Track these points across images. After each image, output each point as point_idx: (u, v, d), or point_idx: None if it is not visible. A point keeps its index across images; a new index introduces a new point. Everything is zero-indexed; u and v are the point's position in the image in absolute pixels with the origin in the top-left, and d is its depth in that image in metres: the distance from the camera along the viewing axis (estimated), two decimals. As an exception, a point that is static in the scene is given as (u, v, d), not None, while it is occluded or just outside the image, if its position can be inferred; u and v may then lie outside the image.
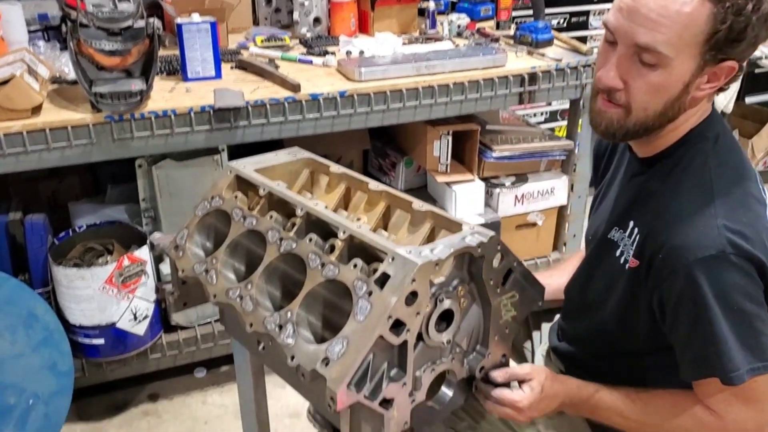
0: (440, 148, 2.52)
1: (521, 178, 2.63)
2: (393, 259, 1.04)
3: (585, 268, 1.36)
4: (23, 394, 1.95)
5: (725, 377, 1.09)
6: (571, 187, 2.66)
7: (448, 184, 2.56)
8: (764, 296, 1.10)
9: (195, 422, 2.24)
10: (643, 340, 1.22)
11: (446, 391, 1.16)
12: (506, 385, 1.19)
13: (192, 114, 2.01)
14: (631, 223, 1.20)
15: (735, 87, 3.35)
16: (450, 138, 2.50)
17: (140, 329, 2.13)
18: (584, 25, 3.35)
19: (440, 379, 1.15)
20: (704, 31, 1.04)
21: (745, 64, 1.11)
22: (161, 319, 2.23)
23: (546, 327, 1.54)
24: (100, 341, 2.09)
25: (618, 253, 1.21)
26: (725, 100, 3.38)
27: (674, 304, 1.11)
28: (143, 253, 2.10)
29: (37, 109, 1.91)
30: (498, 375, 1.18)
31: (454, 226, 1.17)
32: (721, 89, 1.14)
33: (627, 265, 1.18)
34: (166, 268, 2.21)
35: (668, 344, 1.16)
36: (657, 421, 1.18)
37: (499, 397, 1.18)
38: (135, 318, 2.11)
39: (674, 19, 1.03)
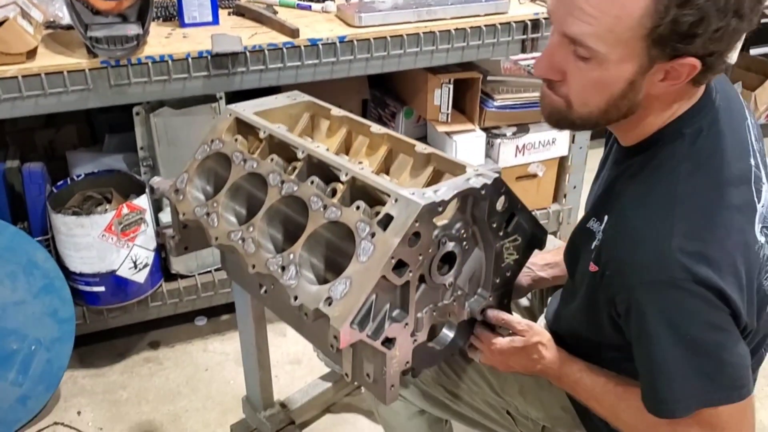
0: (441, 96, 2.49)
1: (522, 128, 2.60)
2: (396, 200, 1.04)
3: (570, 248, 1.21)
4: (25, 340, 1.96)
5: (665, 410, 1.01)
6: (573, 138, 2.63)
7: (449, 134, 2.54)
8: (735, 319, 0.98)
9: (196, 369, 2.26)
10: (604, 335, 1.12)
11: (447, 333, 1.17)
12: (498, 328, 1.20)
13: (189, 59, 1.97)
14: (606, 218, 1.07)
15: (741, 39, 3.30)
16: (451, 87, 2.46)
17: (140, 277, 2.13)
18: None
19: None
20: (642, 24, 0.89)
21: (722, 58, 0.94)
22: (161, 268, 2.23)
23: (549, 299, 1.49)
24: (101, 289, 2.09)
25: (592, 246, 1.07)
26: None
27: (623, 322, 1.04)
28: (142, 201, 2.09)
29: (32, 54, 1.87)
30: (492, 315, 1.19)
31: (458, 169, 1.16)
32: (696, 82, 0.98)
33: (589, 267, 1.07)
34: (165, 216, 2.20)
35: (626, 344, 1.07)
36: (626, 419, 1.11)
37: (479, 333, 1.20)
38: (135, 266, 2.11)
39: (605, 10, 0.90)
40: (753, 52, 3.68)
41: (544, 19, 2.29)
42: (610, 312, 1.06)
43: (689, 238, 0.96)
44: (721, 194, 1.00)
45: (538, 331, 1.20)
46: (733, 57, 3.35)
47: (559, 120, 1.06)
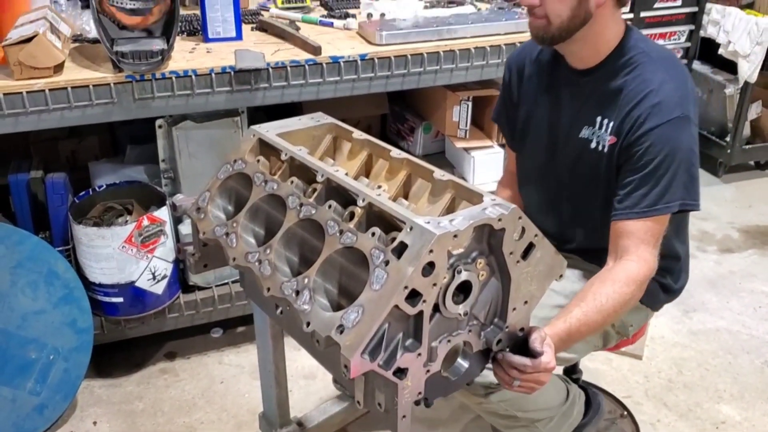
0: (460, 113, 2.50)
1: (541, 146, 2.60)
2: (411, 228, 1.04)
3: (556, 168, 1.59)
4: (44, 349, 1.99)
5: (671, 207, 1.41)
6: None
7: (467, 149, 2.55)
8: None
9: (211, 381, 2.27)
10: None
11: (462, 363, 1.17)
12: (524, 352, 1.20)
13: (213, 75, 2.00)
14: (599, 118, 1.49)
15: (760, 56, 3.27)
16: (470, 103, 2.47)
17: (159, 288, 2.16)
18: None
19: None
20: None
21: None
22: (179, 279, 2.25)
23: None
24: (119, 300, 2.12)
25: (593, 145, 1.50)
26: (749, 70, 3.31)
27: (642, 153, 1.41)
28: (162, 213, 2.11)
29: (59, 68, 1.91)
30: (502, 377, 1.21)
31: (475, 197, 1.16)
32: (620, 3, 1.45)
33: (605, 147, 1.48)
34: (184, 228, 2.23)
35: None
36: (610, 304, 1.36)
37: (537, 363, 1.19)
38: (154, 277, 2.13)
39: None
40: (774, 71, 3.63)
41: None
42: (621, 163, 1.45)
43: (683, 90, 1.44)
44: (680, 66, 1.51)
45: (546, 353, 1.22)
46: (753, 76, 3.33)
47: (544, 36, 1.45)
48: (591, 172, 1.52)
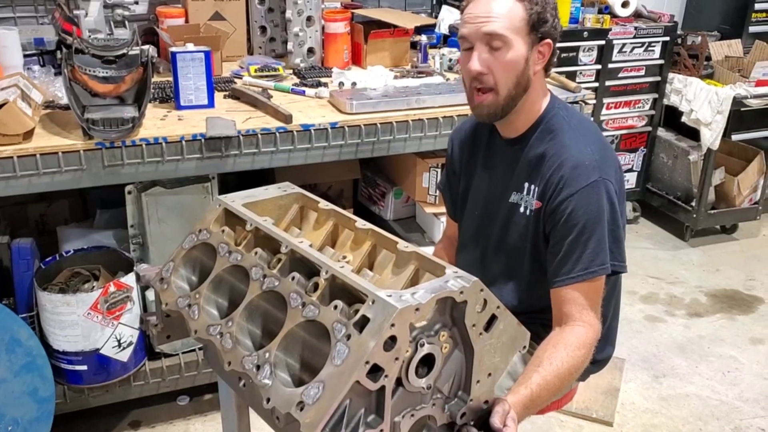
0: (429, 179, 2.54)
1: (510, 211, 2.64)
2: (373, 302, 1.04)
3: (488, 232, 1.64)
4: (2, 420, 1.93)
5: (597, 271, 1.45)
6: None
7: (436, 215, 2.58)
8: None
9: (176, 451, 2.22)
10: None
11: (426, 438, 1.15)
12: (488, 427, 1.19)
13: (183, 142, 2.01)
14: (526, 184, 1.55)
15: (721, 125, 3.38)
16: (439, 170, 2.51)
17: (124, 356, 2.12)
18: (574, 61, 3.38)
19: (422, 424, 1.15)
20: (524, 18, 1.44)
21: (556, 43, 1.51)
22: (145, 346, 2.22)
23: None
24: (83, 367, 2.07)
25: (522, 209, 1.56)
26: (711, 138, 3.41)
27: (560, 227, 1.47)
28: (129, 279, 2.09)
29: (28, 134, 1.91)
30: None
31: (438, 270, 1.17)
32: (548, 68, 1.54)
33: (531, 211, 1.54)
34: (152, 294, 2.20)
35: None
36: (565, 368, 1.38)
37: None
38: (119, 345, 2.10)
39: (502, 12, 1.43)
40: (735, 138, 3.74)
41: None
42: (546, 229, 1.51)
43: (600, 154, 1.50)
44: (597, 130, 1.60)
45: (508, 428, 1.19)
46: (715, 143, 3.43)
47: (495, 111, 1.50)
48: (520, 233, 1.58)
